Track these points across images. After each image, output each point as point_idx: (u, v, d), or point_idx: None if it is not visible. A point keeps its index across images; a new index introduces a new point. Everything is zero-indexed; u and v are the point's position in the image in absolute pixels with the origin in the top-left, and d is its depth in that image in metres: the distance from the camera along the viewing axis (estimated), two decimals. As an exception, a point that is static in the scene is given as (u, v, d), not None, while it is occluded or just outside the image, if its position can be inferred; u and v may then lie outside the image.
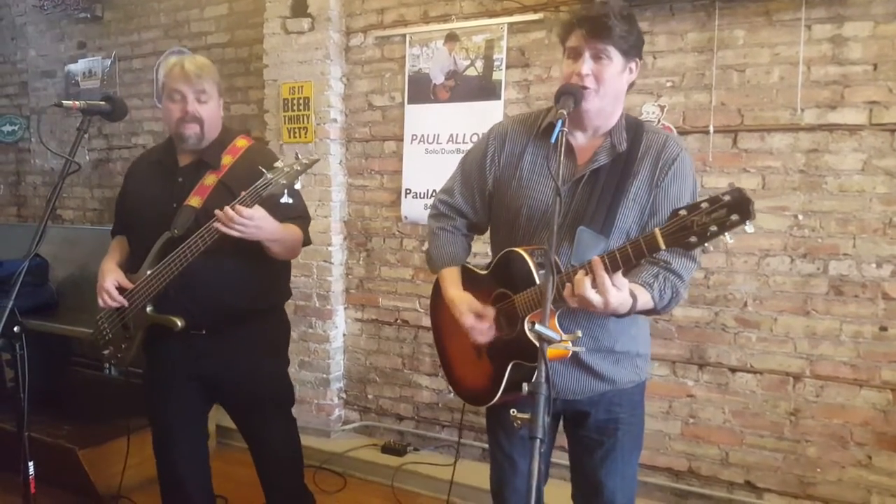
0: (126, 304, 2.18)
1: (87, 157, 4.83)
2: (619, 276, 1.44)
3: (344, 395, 3.85)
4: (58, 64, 4.97)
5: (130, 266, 2.25)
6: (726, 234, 1.27)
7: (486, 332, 1.72)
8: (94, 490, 3.10)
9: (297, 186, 1.98)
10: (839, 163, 2.66)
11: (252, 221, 1.94)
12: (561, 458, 2.01)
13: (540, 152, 1.76)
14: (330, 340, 3.72)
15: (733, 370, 2.87)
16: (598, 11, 1.57)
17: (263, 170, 1.95)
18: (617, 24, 1.57)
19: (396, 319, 3.68)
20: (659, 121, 2.91)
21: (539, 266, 1.62)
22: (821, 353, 2.73)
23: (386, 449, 3.55)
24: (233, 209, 1.93)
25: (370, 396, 3.78)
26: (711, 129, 2.83)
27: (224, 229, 1.95)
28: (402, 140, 3.55)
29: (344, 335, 3.82)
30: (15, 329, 1.79)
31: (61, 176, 1.90)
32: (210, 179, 2.16)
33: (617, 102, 1.69)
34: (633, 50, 1.64)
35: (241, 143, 2.27)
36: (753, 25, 2.76)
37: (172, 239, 2.10)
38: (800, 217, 2.73)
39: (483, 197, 1.89)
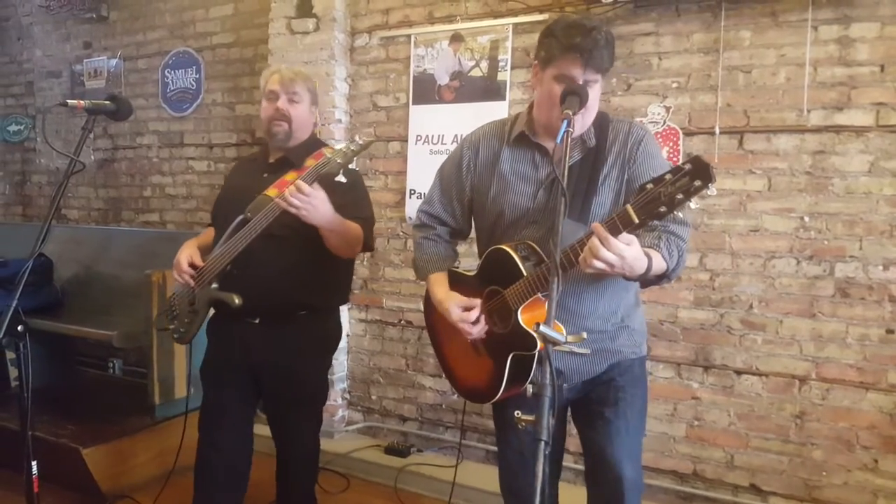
0: (192, 282, 2.30)
1: (92, 157, 4.84)
2: (624, 235, 1.46)
3: (348, 396, 3.85)
4: (63, 64, 4.98)
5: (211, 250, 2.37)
6: (692, 200, 1.32)
7: (475, 325, 1.76)
8: (98, 489, 3.10)
9: (353, 166, 2.12)
10: (846, 164, 2.65)
11: (309, 199, 2.02)
12: (570, 462, 2.00)
13: (516, 156, 1.84)
14: (334, 341, 3.72)
15: (739, 372, 2.86)
16: (597, 42, 1.62)
17: (325, 152, 2.08)
18: (607, 55, 1.66)
19: (400, 320, 3.67)
20: (665, 122, 2.90)
21: (524, 259, 1.68)
22: (827, 355, 2.71)
23: (389, 450, 3.55)
24: (294, 185, 2.04)
25: (374, 397, 3.78)
26: (717, 130, 2.82)
27: (283, 205, 2.04)
28: (406, 141, 3.55)
29: (348, 336, 3.82)
30: (19, 328, 1.79)
31: (66, 175, 1.91)
32: (290, 176, 2.24)
33: (594, 115, 1.77)
34: (608, 70, 1.73)
35: (328, 151, 2.35)
36: (759, 26, 2.75)
37: (244, 221, 2.20)
38: (806, 219, 2.72)
39: (462, 203, 1.97)
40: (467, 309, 1.77)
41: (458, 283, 1.90)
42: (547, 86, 1.70)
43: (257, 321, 2.29)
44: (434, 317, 1.98)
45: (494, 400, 1.79)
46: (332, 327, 2.51)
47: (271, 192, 2.22)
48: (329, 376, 3.70)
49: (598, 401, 1.84)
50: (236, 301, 2.21)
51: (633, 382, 1.86)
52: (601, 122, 1.79)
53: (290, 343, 2.31)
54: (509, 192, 1.81)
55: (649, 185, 1.37)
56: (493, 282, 1.75)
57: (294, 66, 3.61)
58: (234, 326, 2.31)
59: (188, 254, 2.32)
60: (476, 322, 1.75)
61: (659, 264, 1.60)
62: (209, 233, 2.49)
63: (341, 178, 2.07)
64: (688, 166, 1.31)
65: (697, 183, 1.30)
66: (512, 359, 1.70)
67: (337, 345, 2.57)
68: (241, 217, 2.21)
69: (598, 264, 1.46)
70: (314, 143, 2.40)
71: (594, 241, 1.44)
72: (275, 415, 2.45)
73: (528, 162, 1.82)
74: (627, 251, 1.45)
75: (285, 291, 2.25)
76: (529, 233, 1.75)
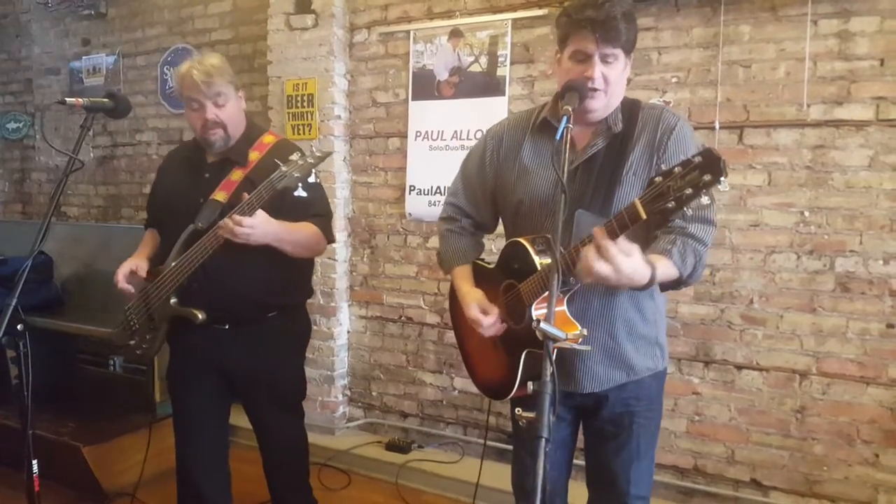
0: (132, 290, 2.24)
1: (92, 155, 4.83)
2: (623, 241, 1.39)
3: (348, 392, 3.85)
4: (62, 61, 4.97)
5: (160, 258, 2.29)
6: (702, 195, 1.25)
7: (490, 328, 1.73)
8: (99, 487, 3.11)
9: (312, 179, 2.00)
10: (846, 159, 2.64)
11: (252, 229, 1.98)
12: (581, 457, 1.99)
13: (537, 145, 1.79)
14: (334, 337, 3.72)
15: (739, 367, 2.86)
16: (609, 14, 1.56)
17: (279, 162, 1.96)
18: (624, 27, 1.58)
19: (401, 316, 3.67)
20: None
21: (539, 253, 1.63)
22: (827, 350, 2.71)
23: (390, 446, 3.55)
24: (231, 219, 1.97)
25: (374, 393, 3.78)
26: (717, 124, 2.82)
27: (227, 236, 1.99)
28: (406, 137, 3.54)
29: (348, 332, 3.82)
30: (19, 327, 1.78)
31: (65, 173, 1.90)
32: (236, 175, 2.19)
33: (620, 96, 1.71)
34: (633, 46, 1.66)
35: (268, 139, 2.30)
36: (759, 21, 2.74)
37: (196, 232, 2.13)
38: (806, 213, 2.71)
39: (485, 195, 1.92)
40: (485, 311, 1.74)
41: (480, 275, 1.87)
42: (565, 66, 1.66)
43: (226, 327, 2.24)
44: (457, 310, 1.95)
45: (510, 397, 1.76)
46: (301, 322, 2.46)
47: (219, 195, 2.16)
48: (330, 372, 3.72)
49: (612, 422, 1.80)
50: (199, 317, 2.15)
51: (648, 405, 1.81)
52: (631, 107, 1.72)
53: (262, 344, 2.27)
54: (528, 181, 1.77)
55: (658, 179, 1.29)
56: (510, 275, 1.72)
57: (293, 62, 3.63)
58: (200, 334, 2.22)
59: (131, 262, 2.25)
60: (490, 324, 1.73)
61: (666, 273, 1.54)
62: (152, 238, 2.41)
63: (301, 193, 1.98)
64: (697, 159, 1.24)
65: (707, 177, 1.22)
66: (526, 355, 1.67)
67: (308, 337, 2.52)
68: (191, 227, 2.14)
69: (590, 280, 1.41)
70: (253, 132, 2.30)
71: (589, 250, 1.39)
72: (254, 414, 2.41)
73: (550, 149, 1.75)
74: (625, 264, 1.38)
75: (251, 296, 2.20)
76: (550, 224, 1.67)
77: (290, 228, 2.12)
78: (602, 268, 1.37)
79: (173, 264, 2.17)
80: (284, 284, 2.28)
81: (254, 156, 2.22)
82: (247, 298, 2.19)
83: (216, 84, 2.14)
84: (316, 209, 2.24)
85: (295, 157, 1.96)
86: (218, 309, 2.17)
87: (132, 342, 2.37)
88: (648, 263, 1.47)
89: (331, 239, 2.31)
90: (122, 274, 2.23)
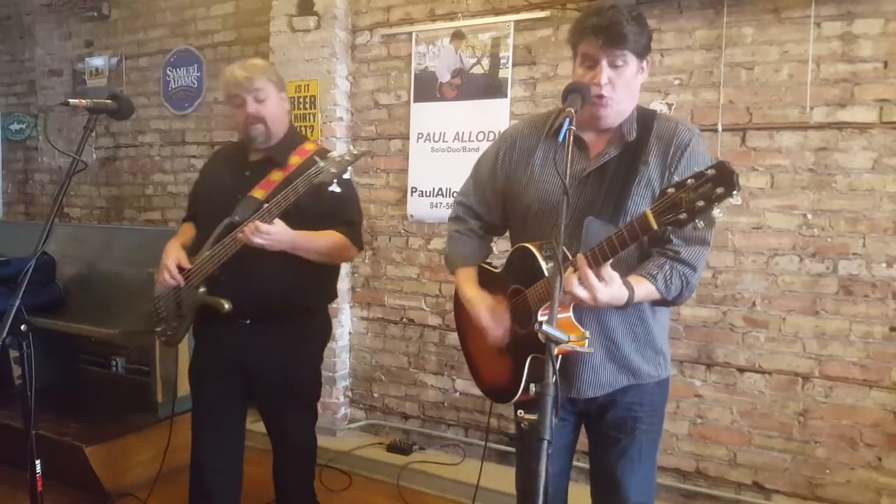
0: (182, 283, 2.28)
1: (94, 156, 4.84)
2: (607, 269, 1.45)
3: (350, 394, 3.85)
4: (65, 62, 4.98)
5: (194, 250, 2.34)
6: (715, 207, 1.26)
7: (502, 335, 1.75)
8: (101, 487, 3.11)
9: (346, 176, 2.08)
10: (849, 161, 2.64)
11: (269, 235, 2.05)
12: (582, 460, 1.99)
13: (550, 150, 1.78)
14: (336, 339, 3.72)
15: (741, 370, 2.86)
16: (612, 19, 1.57)
17: (317, 158, 2.05)
18: (631, 30, 1.58)
19: (402, 318, 3.67)
20: (667, 119, 2.89)
21: (547, 259, 1.63)
22: (830, 353, 2.71)
23: (391, 447, 3.55)
24: (251, 224, 2.05)
25: (376, 395, 3.78)
26: (720, 127, 2.82)
27: (246, 239, 2.06)
28: (408, 138, 3.54)
29: (350, 334, 3.82)
30: (22, 327, 1.79)
31: (68, 174, 1.91)
32: (276, 175, 2.25)
33: (632, 101, 1.71)
34: (645, 50, 1.67)
35: (310, 146, 2.36)
36: (762, 23, 2.74)
37: (232, 225, 2.18)
38: (809, 216, 2.71)
39: (496, 197, 1.92)
40: (495, 314, 1.76)
41: (485, 278, 1.88)
42: (577, 73, 1.67)
43: (248, 322, 2.29)
44: (461, 312, 1.96)
45: (513, 401, 1.75)
46: (322, 324, 2.51)
47: (258, 193, 2.22)
48: (331, 374, 3.72)
49: (615, 426, 1.80)
50: (226, 307, 2.20)
51: (651, 412, 1.81)
52: (646, 117, 1.73)
53: (282, 341, 2.31)
54: (539, 186, 1.77)
55: (671, 190, 1.31)
56: (517, 280, 1.72)
57: (295, 64, 3.64)
58: (223, 327, 2.29)
59: (175, 256, 2.29)
60: (502, 331, 1.75)
61: (646, 296, 1.60)
62: (188, 230, 2.46)
63: (335, 189, 2.05)
64: (711, 172, 1.25)
65: (720, 190, 1.23)
66: (531, 360, 1.67)
67: (327, 340, 2.58)
68: (227, 220, 2.20)
69: (569, 302, 1.47)
70: (295, 138, 2.38)
71: (569, 274, 1.44)
72: (269, 412, 2.45)
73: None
74: (602, 292, 1.45)
75: (276, 294, 2.24)
76: (556, 232, 1.67)
77: (308, 238, 2.18)
78: (581, 293, 1.46)
79: (206, 254, 2.23)
80: (307, 286, 2.32)
81: (294, 160, 2.27)
82: (269, 296, 2.23)
83: (256, 80, 2.22)
84: (347, 215, 2.30)
85: (333, 154, 2.05)
86: (243, 303, 2.22)
87: (159, 329, 2.44)
88: (627, 286, 1.53)
89: (360, 246, 2.37)
90: (171, 271, 2.26)
